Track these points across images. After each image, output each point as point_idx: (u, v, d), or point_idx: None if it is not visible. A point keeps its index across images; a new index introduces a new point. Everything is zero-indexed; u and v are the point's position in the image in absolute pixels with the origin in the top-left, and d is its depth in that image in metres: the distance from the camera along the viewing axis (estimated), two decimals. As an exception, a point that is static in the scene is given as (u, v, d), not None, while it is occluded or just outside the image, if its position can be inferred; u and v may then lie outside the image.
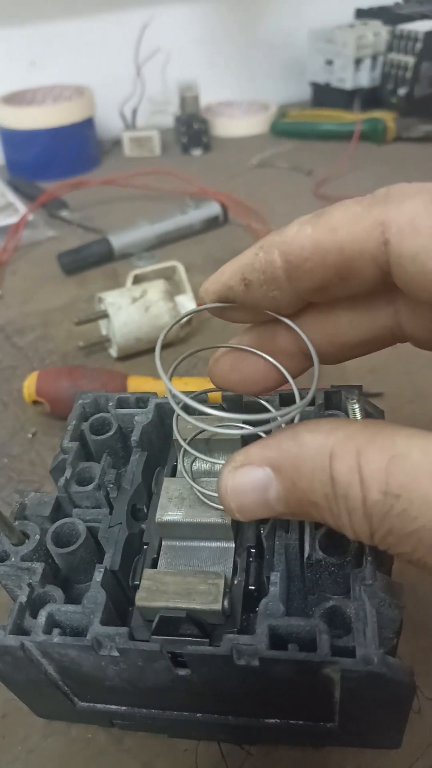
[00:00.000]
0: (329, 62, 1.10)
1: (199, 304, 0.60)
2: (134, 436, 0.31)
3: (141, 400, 0.33)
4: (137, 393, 0.33)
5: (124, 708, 0.29)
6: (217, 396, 0.31)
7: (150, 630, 0.25)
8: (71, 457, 0.30)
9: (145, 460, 0.31)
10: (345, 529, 0.19)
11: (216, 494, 0.25)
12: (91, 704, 0.29)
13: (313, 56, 1.13)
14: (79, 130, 0.98)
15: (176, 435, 0.28)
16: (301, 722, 0.27)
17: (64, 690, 0.28)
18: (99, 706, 0.29)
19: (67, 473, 0.29)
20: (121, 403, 0.33)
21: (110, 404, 0.33)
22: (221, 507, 0.26)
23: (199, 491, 0.27)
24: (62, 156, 0.98)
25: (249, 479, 0.20)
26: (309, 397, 0.22)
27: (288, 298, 0.22)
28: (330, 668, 0.22)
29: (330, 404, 0.30)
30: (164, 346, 0.23)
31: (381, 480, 0.17)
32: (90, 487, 0.29)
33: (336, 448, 0.18)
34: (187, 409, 0.24)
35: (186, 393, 0.24)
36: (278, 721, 0.27)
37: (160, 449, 0.33)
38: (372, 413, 0.30)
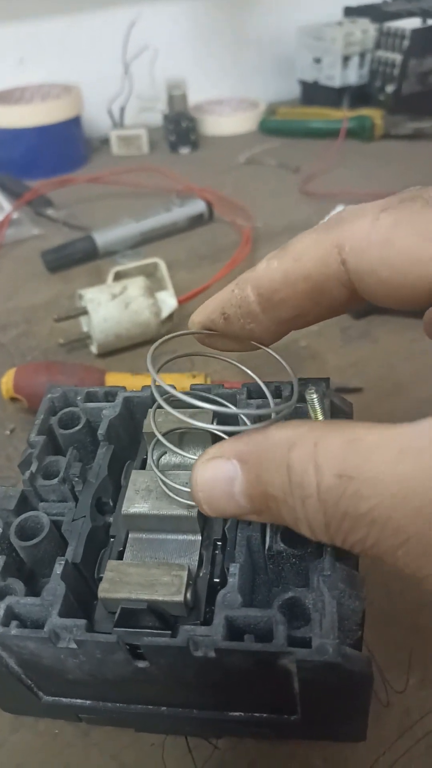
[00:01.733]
0: (318, 60, 1.10)
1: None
2: (101, 430, 0.31)
3: (110, 394, 0.33)
4: (106, 387, 0.33)
5: (89, 702, 0.29)
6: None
7: (113, 621, 0.24)
8: (37, 451, 0.30)
9: (113, 454, 0.31)
10: (301, 525, 0.19)
11: (183, 488, 0.26)
12: (57, 698, 0.29)
13: (301, 54, 1.13)
14: (66, 128, 0.98)
15: (153, 428, 0.27)
16: (264, 715, 0.27)
17: (27, 683, 0.28)
18: (64, 700, 0.29)
19: (33, 467, 0.29)
20: (90, 397, 0.33)
21: (79, 398, 0.32)
22: (188, 500, 0.26)
23: (166, 484, 0.27)
24: (49, 154, 0.98)
25: (217, 471, 0.21)
26: (293, 400, 0.24)
27: (265, 329, 0.23)
28: (286, 659, 0.21)
29: (299, 397, 0.30)
30: (143, 343, 0.24)
31: (335, 463, 0.17)
32: (55, 480, 0.29)
33: (296, 438, 0.19)
34: (171, 403, 0.24)
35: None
36: (242, 714, 0.27)
37: (128, 443, 0.33)
38: (340, 405, 0.30)
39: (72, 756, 0.30)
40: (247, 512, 0.21)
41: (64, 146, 1.00)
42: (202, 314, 0.25)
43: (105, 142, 1.10)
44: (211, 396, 0.30)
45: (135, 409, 0.32)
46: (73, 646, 0.23)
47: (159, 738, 0.30)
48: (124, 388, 0.33)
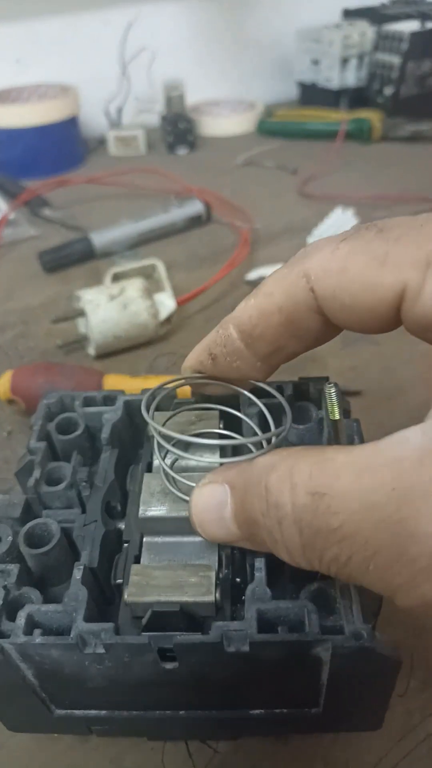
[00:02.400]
0: (316, 62, 1.10)
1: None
2: (104, 434, 0.31)
3: (108, 398, 0.32)
4: (105, 391, 0.33)
5: (103, 712, 0.28)
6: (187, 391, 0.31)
7: (137, 626, 0.24)
8: (39, 458, 0.30)
9: (116, 458, 0.30)
10: (280, 549, 0.20)
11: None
12: (69, 711, 0.28)
13: (300, 56, 1.13)
14: (63, 128, 0.98)
15: (157, 437, 0.27)
16: (285, 710, 0.27)
17: (42, 696, 0.27)
18: (77, 712, 0.28)
19: (36, 474, 0.29)
20: (88, 402, 0.33)
21: (77, 403, 0.32)
22: None
23: (178, 485, 0.26)
24: (46, 155, 0.97)
25: (210, 496, 0.22)
26: (287, 425, 0.25)
27: (251, 365, 0.25)
28: (320, 647, 0.22)
29: (299, 396, 0.30)
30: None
31: (308, 482, 0.18)
32: (62, 486, 0.28)
33: (276, 462, 0.20)
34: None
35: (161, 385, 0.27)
36: (262, 711, 0.27)
37: (130, 447, 0.32)
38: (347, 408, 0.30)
39: (72, 760, 0.30)
40: (237, 539, 0.22)
41: (61, 146, 0.99)
42: (191, 358, 0.26)
43: (102, 142, 1.09)
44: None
45: (135, 413, 0.32)
46: (101, 651, 0.23)
47: (159, 742, 0.30)
48: (122, 391, 0.33)
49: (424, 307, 0.19)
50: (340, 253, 0.21)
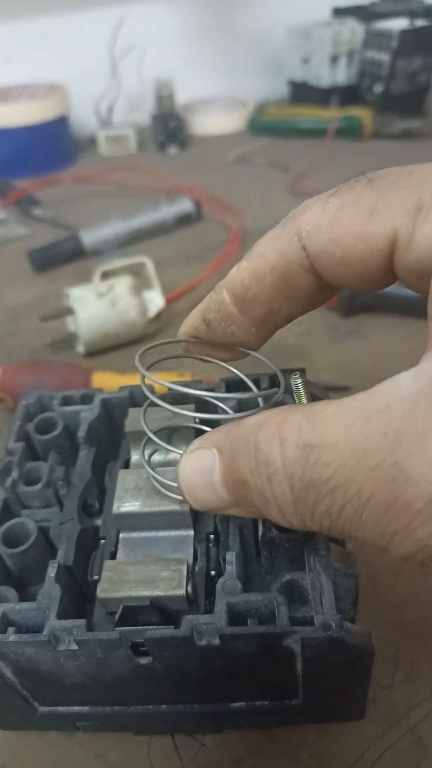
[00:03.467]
0: (306, 60, 1.10)
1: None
2: (81, 432, 0.31)
3: (87, 397, 0.33)
4: (83, 390, 0.33)
5: (87, 708, 0.28)
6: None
7: (112, 623, 0.24)
8: (17, 458, 0.30)
9: (94, 456, 0.30)
10: (271, 508, 0.19)
11: (174, 483, 0.26)
12: (53, 708, 0.28)
13: (290, 54, 1.13)
14: (53, 127, 0.98)
15: (143, 425, 0.27)
16: (266, 702, 0.27)
17: (24, 694, 0.27)
18: (61, 709, 0.28)
19: (14, 474, 0.29)
20: (67, 401, 0.33)
21: (55, 402, 0.32)
22: (178, 496, 0.26)
23: (156, 479, 0.26)
24: (36, 154, 0.97)
25: (199, 461, 0.22)
26: (282, 388, 0.25)
27: (245, 330, 0.24)
28: (290, 639, 0.22)
29: (275, 386, 0.30)
30: (130, 342, 0.24)
31: (298, 435, 0.18)
32: (39, 485, 0.28)
33: (264, 420, 0.20)
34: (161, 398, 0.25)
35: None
36: (244, 704, 0.27)
37: (109, 444, 0.32)
38: (317, 394, 0.30)
39: (57, 756, 0.30)
40: (228, 504, 0.21)
41: (50, 146, 0.99)
42: (186, 324, 0.26)
43: (92, 142, 1.09)
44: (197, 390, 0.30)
45: (113, 411, 0.32)
46: (74, 647, 0.23)
47: (145, 736, 0.30)
48: (101, 390, 0.33)
49: (417, 253, 0.19)
50: (331, 207, 0.21)
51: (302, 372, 0.28)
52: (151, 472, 0.27)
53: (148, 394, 0.25)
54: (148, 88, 1.09)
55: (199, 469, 0.22)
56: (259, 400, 0.25)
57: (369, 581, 0.35)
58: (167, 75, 1.07)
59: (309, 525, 0.19)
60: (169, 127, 1.04)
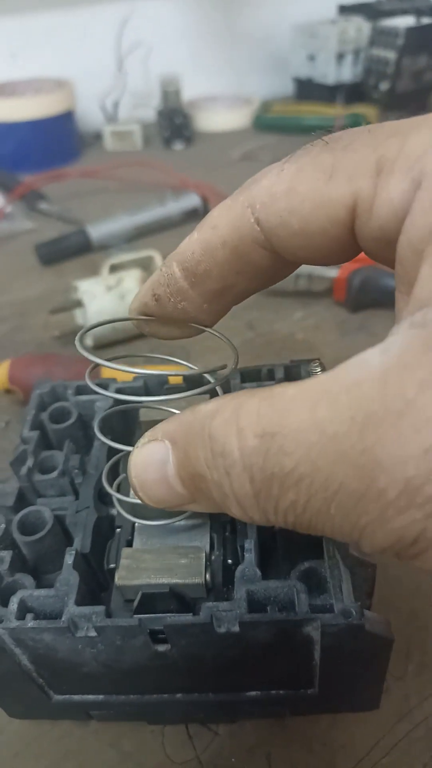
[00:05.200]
0: (312, 57, 1.10)
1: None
2: (96, 421, 0.31)
3: (101, 386, 0.32)
4: (96, 379, 0.33)
5: (101, 697, 0.28)
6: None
7: (130, 610, 0.24)
8: (32, 446, 0.30)
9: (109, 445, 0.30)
10: (230, 503, 0.18)
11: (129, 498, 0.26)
12: (67, 696, 0.29)
13: (295, 51, 1.13)
14: (59, 122, 0.98)
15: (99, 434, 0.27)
16: (281, 692, 0.27)
17: (39, 682, 0.27)
18: (75, 697, 0.28)
19: (30, 462, 0.29)
20: (80, 391, 0.33)
21: (69, 392, 0.32)
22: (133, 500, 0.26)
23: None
24: (42, 148, 0.98)
25: (150, 455, 0.20)
26: (232, 364, 0.24)
27: (197, 306, 0.23)
28: (310, 626, 0.22)
29: (290, 378, 0.30)
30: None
31: (255, 423, 0.16)
32: (54, 474, 0.29)
33: (219, 407, 0.17)
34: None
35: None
36: (259, 693, 0.27)
37: (123, 433, 0.32)
38: None
39: (71, 744, 0.30)
40: (184, 500, 0.19)
41: (56, 141, 1.00)
42: (136, 300, 0.25)
43: (98, 137, 1.09)
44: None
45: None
46: (93, 634, 0.23)
47: (159, 726, 0.30)
48: (115, 379, 0.33)
49: (379, 219, 0.17)
50: (286, 174, 0.19)
51: (320, 361, 0.29)
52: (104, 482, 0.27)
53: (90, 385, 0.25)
54: (153, 84, 1.09)
55: (151, 463, 0.19)
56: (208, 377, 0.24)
57: (379, 571, 0.35)
58: (173, 72, 1.06)
59: (272, 520, 0.17)
60: (174, 123, 1.04)
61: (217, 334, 0.25)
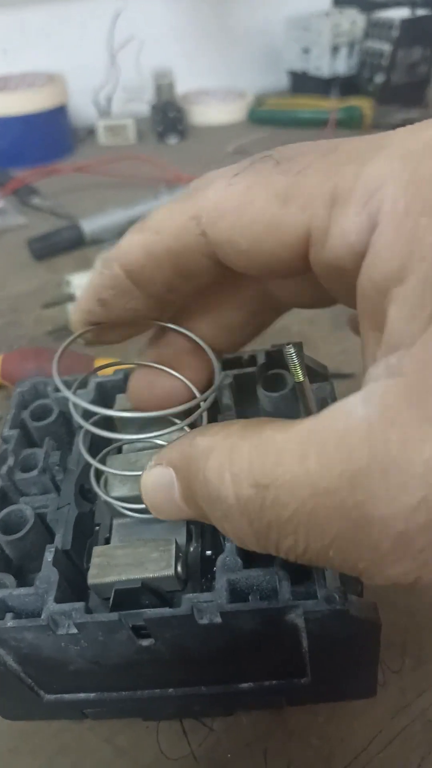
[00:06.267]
0: (306, 50, 1.10)
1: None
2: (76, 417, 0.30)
3: (82, 382, 0.32)
4: (77, 375, 0.32)
5: (93, 695, 0.28)
6: None
7: (107, 609, 0.24)
8: (12, 445, 0.29)
9: (90, 441, 0.30)
10: (231, 537, 0.18)
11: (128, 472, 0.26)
12: (59, 695, 0.28)
13: (289, 44, 1.13)
14: (51, 117, 0.97)
15: (82, 448, 0.27)
16: (274, 682, 0.27)
17: (28, 682, 0.27)
18: (67, 696, 0.28)
19: (10, 461, 0.29)
20: (65, 385, 0.32)
21: (49, 389, 0.32)
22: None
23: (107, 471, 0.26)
24: (34, 143, 0.97)
25: (157, 478, 0.21)
26: (215, 385, 0.24)
27: (148, 306, 0.22)
28: (293, 613, 0.21)
29: (273, 364, 0.30)
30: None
31: (249, 472, 0.16)
32: (35, 472, 0.28)
33: (214, 445, 0.18)
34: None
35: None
36: (252, 684, 0.27)
37: (104, 429, 0.32)
38: (315, 368, 0.29)
39: (66, 740, 0.30)
40: (193, 517, 0.20)
41: (49, 135, 0.99)
42: (79, 311, 0.23)
43: (91, 132, 1.09)
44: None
45: (108, 394, 0.32)
46: (74, 631, 0.23)
47: (153, 721, 0.30)
48: (95, 374, 0.32)
49: (333, 251, 0.17)
50: (236, 189, 0.18)
51: (297, 345, 0.28)
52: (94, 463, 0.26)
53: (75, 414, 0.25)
54: (146, 79, 1.09)
55: (159, 487, 0.21)
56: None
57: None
58: (166, 65, 1.06)
59: (275, 554, 0.18)
60: (168, 117, 1.03)
61: (176, 328, 0.24)
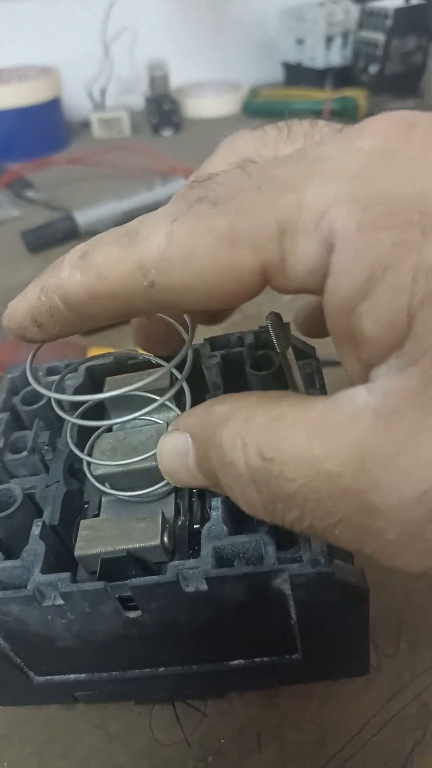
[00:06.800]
0: (300, 41, 1.09)
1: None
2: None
3: (69, 366, 0.32)
4: (66, 359, 0.32)
5: (84, 675, 0.28)
6: None
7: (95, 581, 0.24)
8: (2, 427, 0.29)
9: (79, 426, 0.30)
10: (240, 503, 0.19)
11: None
12: (49, 677, 0.28)
13: (283, 35, 1.12)
14: (45, 110, 0.97)
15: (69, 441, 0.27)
16: (265, 659, 0.27)
17: (17, 662, 0.27)
18: (57, 678, 0.28)
19: (0, 443, 0.29)
20: (52, 372, 0.32)
21: (40, 374, 0.32)
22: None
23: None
24: (28, 136, 0.97)
25: (173, 444, 0.21)
26: (175, 361, 0.24)
27: (88, 328, 0.22)
28: (279, 578, 0.21)
29: (261, 345, 0.30)
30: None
31: (258, 443, 0.17)
32: (24, 452, 0.28)
33: (231, 413, 0.18)
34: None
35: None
36: (243, 661, 0.27)
37: (94, 411, 0.32)
38: (302, 348, 0.29)
39: (57, 728, 0.30)
40: (207, 485, 0.21)
41: (43, 128, 0.99)
42: (12, 322, 0.23)
43: (86, 125, 1.08)
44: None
45: (98, 377, 0.32)
46: (60, 602, 0.23)
47: (146, 707, 0.30)
48: (84, 358, 0.32)
49: (296, 279, 0.17)
50: (178, 237, 0.17)
51: (276, 315, 0.27)
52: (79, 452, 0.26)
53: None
54: (140, 71, 1.08)
55: (175, 452, 0.21)
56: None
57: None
58: (160, 57, 1.05)
59: (282, 525, 0.18)
60: (163, 110, 1.03)
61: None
